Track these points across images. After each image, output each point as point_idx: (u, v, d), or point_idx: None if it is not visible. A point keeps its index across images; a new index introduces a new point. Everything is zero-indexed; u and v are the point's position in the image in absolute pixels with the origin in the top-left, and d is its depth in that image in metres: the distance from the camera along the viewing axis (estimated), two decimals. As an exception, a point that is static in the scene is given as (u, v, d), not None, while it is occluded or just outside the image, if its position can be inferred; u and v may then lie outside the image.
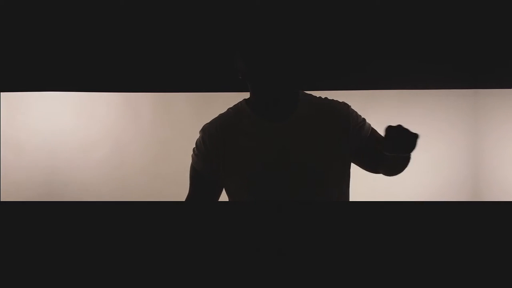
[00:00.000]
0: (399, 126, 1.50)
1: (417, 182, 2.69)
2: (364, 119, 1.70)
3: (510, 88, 2.47)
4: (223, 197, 1.72)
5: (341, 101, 1.71)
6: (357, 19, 2.25)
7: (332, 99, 1.71)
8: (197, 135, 1.73)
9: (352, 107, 1.71)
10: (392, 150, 1.51)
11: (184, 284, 1.42)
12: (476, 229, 1.40)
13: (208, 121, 1.69)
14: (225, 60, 2.34)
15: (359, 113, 1.72)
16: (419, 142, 1.53)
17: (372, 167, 1.68)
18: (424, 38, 2.27)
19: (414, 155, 1.54)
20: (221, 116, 1.67)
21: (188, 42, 2.33)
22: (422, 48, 2.31)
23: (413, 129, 1.51)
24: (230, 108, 1.69)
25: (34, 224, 1.44)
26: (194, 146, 1.69)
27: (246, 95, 1.79)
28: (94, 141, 2.74)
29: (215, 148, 1.61)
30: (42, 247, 1.43)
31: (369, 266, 1.41)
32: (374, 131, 1.70)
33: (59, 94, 2.70)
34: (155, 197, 2.53)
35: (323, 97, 1.72)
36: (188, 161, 1.71)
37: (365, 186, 2.40)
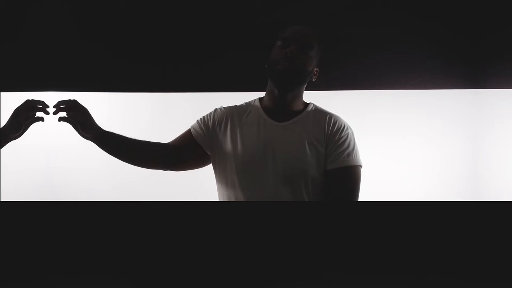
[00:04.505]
0: None
1: (417, 182, 2.68)
2: (348, 153, 1.70)
3: (510, 88, 2.47)
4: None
5: (343, 124, 1.74)
6: (357, 19, 2.25)
7: (336, 116, 1.75)
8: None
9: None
10: None
11: (184, 284, 1.42)
12: (476, 229, 1.40)
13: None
14: (224, 60, 2.34)
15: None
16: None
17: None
18: (424, 38, 2.27)
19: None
20: (234, 105, 1.83)
21: (188, 42, 2.33)
22: (422, 49, 2.31)
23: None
24: (245, 102, 1.83)
25: (34, 224, 1.44)
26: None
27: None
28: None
29: (218, 121, 1.77)
30: (42, 247, 1.43)
31: (369, 266, 1.41)
32: (349, 173, 1.69)
33: (59, 94, 2.70)
34: (155, 197, 2.53)
35: (333, 113, 1.78)
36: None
37: (366, 186, 2.40)
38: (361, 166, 1.73)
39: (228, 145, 1.73)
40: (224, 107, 1.82)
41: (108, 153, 1.79)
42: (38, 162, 2.73)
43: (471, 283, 1.39)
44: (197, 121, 1.83)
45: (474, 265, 1.39)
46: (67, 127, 2.95)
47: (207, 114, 1.83)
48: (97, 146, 1.80)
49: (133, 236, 1.44)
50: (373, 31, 2.27)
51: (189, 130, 1.83)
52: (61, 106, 1.72)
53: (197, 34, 2.31)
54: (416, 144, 2.67)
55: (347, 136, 1.71)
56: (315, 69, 1.75)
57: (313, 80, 1.77)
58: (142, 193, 2.58)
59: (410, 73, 2.39)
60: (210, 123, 1.79)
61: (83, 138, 1.78)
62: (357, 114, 2.63)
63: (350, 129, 1.75)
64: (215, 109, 1.83)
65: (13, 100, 2.77)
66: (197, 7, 2.25)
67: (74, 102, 1.73)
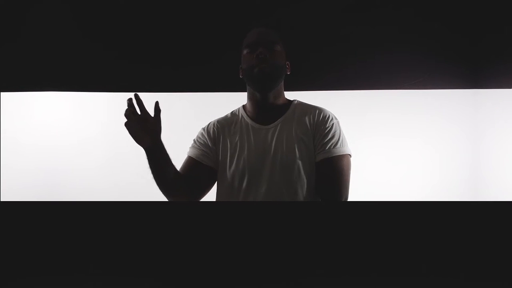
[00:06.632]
0: None
1: (417, 182, 2.69)
2: (334, 143, 1.68)
3: (510, 88, 2.47)
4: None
5: (328, 114, 1.73)
6: (357, 18, 2.26)
7: (320, 108, 1.76)
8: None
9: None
10: None
11: (182, 283, 1.42)
12: (476, 229, 1.40)
13: (209, 121, 1.86)
14: (224, 60, 2.34)
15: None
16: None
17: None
18: (424, 38, 2.27)
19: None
20: (220, 118, 1.84)
21: (188, 42, 2.33)
22: (422, 49, 2.31)
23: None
24: (229, 112, 1.84)
25: (34, 224, 1.44)
26: (192, 143, 1.82)
27: (246, 95, 1.80)
28: (94, 142, 2.74)
29: (213, 138, 1.78)
30: (42, 247, 1.43)
31: (368, 266, 1.41)
32: (336, 162, 1.67)
33: (59, 94, 2.70)
34: (155, 197, 2.53)
35: (318, 105, 1.78)
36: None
37: (365, 186, 2.40)
38: (350, 156, 1.71)
39: (223, 158, 1.74)
40: (211, 123, 1.83)
41: (152, 168, 1.71)
42: (38, 162, 2.73)
43: (471, 283, 1.39)
44: (193, 145, 1.81)
45: (474, 265, 1.39)
46: (66, 127, 2.93)
47: (198, 136, 1.82)
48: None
49: (133, 236, 1.44)
50: (373, 31, 2.27)
51: (190, 159, 1.78)
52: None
53: (197, 34, 2.31)
54: (416, 144, 2.68)
55: (332, 126, 1.71)
56: (287, 62, 1.78)
57: (288, 73, 1.78)
58: (143, 193, 2.59)
59: (410, 73, 2.39)
60: (208, 141, 1.78)
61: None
62: (357, 114, 2.64)
63: (336, 119, 1.75)
64: (204, 128, 1.82)
65: (13, 100, 2.78)
66: (198, 7, 2.25)
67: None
